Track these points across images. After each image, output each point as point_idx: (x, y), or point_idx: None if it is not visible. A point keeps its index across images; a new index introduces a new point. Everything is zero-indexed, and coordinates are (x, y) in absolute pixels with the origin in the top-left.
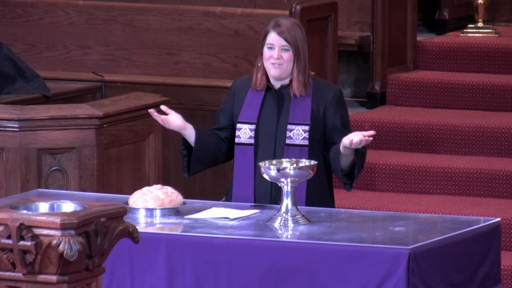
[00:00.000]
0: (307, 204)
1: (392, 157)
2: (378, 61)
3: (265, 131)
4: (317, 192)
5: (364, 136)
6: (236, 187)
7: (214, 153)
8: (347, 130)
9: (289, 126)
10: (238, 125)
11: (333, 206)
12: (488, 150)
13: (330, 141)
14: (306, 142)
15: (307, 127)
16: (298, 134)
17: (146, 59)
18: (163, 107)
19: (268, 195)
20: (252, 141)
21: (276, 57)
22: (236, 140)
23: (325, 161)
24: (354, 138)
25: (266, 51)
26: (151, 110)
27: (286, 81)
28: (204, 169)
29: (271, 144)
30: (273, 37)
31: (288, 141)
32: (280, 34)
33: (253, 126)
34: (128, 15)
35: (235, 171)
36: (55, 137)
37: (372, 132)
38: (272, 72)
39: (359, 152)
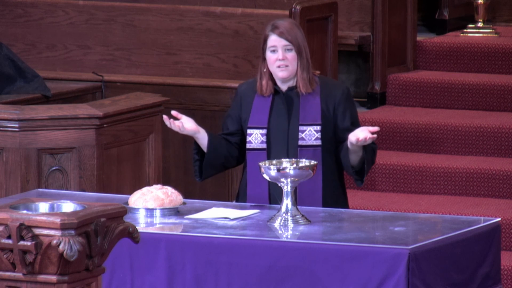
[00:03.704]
0: (323, 205)
1: (392, 157)
2: (378, 61)
3: (276, 134)
4: (332, 191)
5: (370, 133)
6: (251, 189)
7: (226, 157)
8: (357, 127)
9: (301, 128)
10: (249, 131)
11: (347, 204)
12: (488, 150)
13: (341, 140)
14: (319, 142)
15: (318, 127)
16: (310, 134)
17: (146, 59)
18: (174, 113)
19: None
20: (264, 145)
21: (281, 58)
22: (248, 145)
23: (336, 160)
24: (359, 135)
25: (269, 55)
26: (165, 117)
27: (293, 82)
28: (215, 173)
29: (283, 147)
30: (274, 40)
31: (300, 143)
32: (280, 35)
33: (264, 131)
34: (128, 15)
35: (248, 175)
36: (55, 137)
37: (376, 128)
38: (280, 74)
39: (368, 148)
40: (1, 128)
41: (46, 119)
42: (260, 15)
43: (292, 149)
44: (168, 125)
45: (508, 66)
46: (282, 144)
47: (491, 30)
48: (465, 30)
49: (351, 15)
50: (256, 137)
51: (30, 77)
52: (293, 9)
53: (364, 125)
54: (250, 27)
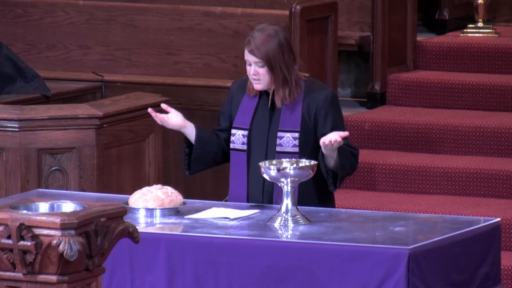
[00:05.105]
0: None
1: (392, 157)
2: (378, 61)
3: (257, 137)
4: (309, 199)
5: (339, 137)
6: (232, 188)
7: (215, 153)
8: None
9: (279, 134)
10: (233, 130)
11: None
12: (488, 150)
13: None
14: (296, 150)
15: (297, 134)
16: (288, 141)
17: (146, 59)
18: (163, 106)
19: (260, 196)
20: (244, 147)
21: (253, 73)
22: (231, 145)
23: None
24: (326, 139)
25: (247, 66)
26: (150, 110)
27: None
28: (205, 168)
29: (262, 150)
30: (246, 54)
31: (278, 149)
32: (250, 52)
33: (245, 132)
34: (128, 15)
35: (231, 173)
36: (55, 137)
37: (346, 133)
38: (255, 87)
39: (346, 153)
40: (1, 128)
41: (46, 119)
42: (260, 15)
43: (271, 153)
44: (153, 117)
45: (508, 66)
46: (262, 147)
47: (491, 30)
48: (465, 30)
49: (351, 15)
50: (238, 138)
51: (30, 77)
52: (293, 9)
53: (364, 125)
54: (250, 27)
